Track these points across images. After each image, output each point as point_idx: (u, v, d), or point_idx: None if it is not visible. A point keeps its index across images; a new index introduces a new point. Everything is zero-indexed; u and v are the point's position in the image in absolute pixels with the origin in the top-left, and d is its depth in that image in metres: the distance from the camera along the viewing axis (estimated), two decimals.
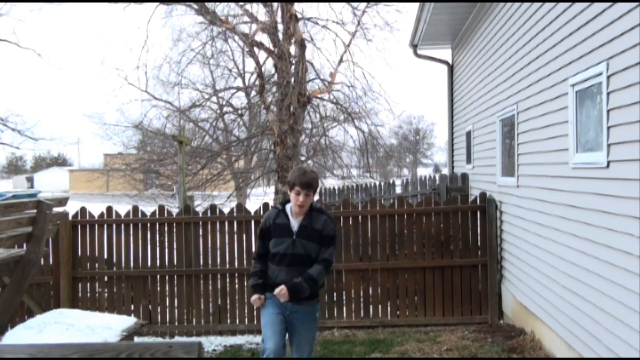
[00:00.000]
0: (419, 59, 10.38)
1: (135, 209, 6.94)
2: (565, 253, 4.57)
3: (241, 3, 12.62)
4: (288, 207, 3.88)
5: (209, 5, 12.19)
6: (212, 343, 6.35)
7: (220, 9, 12.88)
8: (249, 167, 16.48)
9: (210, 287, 6.79)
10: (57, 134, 60.50)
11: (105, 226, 6.88)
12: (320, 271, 3.79)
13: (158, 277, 6.82)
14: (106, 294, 6.86)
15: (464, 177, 8.67)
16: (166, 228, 6.83)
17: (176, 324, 6.79)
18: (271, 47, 12.32)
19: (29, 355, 2.24)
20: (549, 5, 4.84)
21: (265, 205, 6.79)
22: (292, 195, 3.77)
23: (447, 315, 6.51)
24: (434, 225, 6.55)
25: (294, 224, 3.82)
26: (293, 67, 12.01)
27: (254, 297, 3.88)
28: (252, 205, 8.57)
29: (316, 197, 11.45)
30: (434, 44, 10.26)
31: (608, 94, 3.67)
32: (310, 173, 3.79)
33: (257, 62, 13.05)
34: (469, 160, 8.85)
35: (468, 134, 8.81)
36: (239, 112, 15.86)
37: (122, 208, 7.43)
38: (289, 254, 3.78)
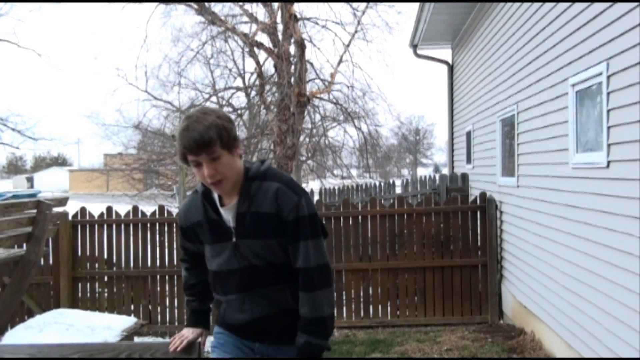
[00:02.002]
0: (419, 59, 10.37)
1: (135, 209, 6.93)
2: (565, 253, 4.57)
3: (240, 3, 12.62)
4: None
5: (209, 5, 12.18)
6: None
7: (220, 8, 12.88)
8: None
9: None
10: (57, 134, 60.56)
11: (105, 226, 6.88)
12: (321, 295, 2.10)
13: (158, 277, 6.82)
14: (106, 294, 6.86)
15: (464, 177, 8.67)
16: (166, 228, 6.83)
17: (176, 324, 6.78)
18: (271, 47, 12.32)
19: (29, 355, 2.24)
20: (549, 5, 4.84)
21: None
22: (195, 171, 2.09)
23: (447, 315, 6.51)
24: (434, 225, 6.55)
25: (227, 215, 2.16)
26: (293, 67, 12.02)
27: (184, 334, 2.28)
28: None
29: (316, 198, 11.49)
30: (434, 44, 10.26)
31: (608, 94, 3.67)
32: (201, 119, 2.00)
33: (257, 62, 13.05)
34: (469, 160, 8.85)
35: (468, 134, 8.81)
36: (239, 112, 15.86)
37: (122, 208, 7.43)
38: (237, 271, 2.15)
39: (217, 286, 2.25)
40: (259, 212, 2.10)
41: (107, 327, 4.54)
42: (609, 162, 3.69)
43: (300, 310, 2.10)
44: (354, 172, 16.37)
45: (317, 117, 14.56)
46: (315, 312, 2.07)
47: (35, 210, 4.77)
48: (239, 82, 17.38)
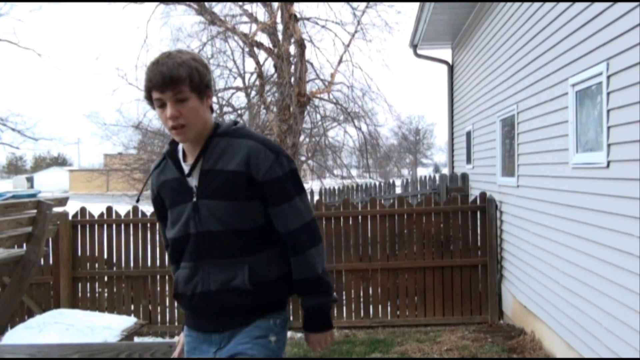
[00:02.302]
0: (419, 59, 10.37)
1: (135, 209, 6.93)
2: (565, 253, 4.57)
3: (240, 3, 12.62)
4: (181, 147, 2.00)
5: (209, 5, 12.19)
6: None
7: (219, 8, 12.89)
8: None
9: None
10: (57, 134, 60.59)
11: (105, 226, 6.88)
12: (313, 253, 1.94)
13: (158, 277, 6.82)
14: (106, 294, 6.86)
15: (464, 177, 8.67)
16: None
17: (176, 324, 6.78)
18: (271, 47, 12.33)
19: (29, 355, 2.24)
20: (549, 5, 4.84)
21: None
22: (157, 113, 1.88)
23: (447, 315, 6.51)
24: (434, 225, 6.55)
25: (191, 173, 1.93)
26: (293, 67, 12.02)
27: (181, 339, 2.11)
28: None
29: (316, 198, 11.49)
30: (434, 44, 10.26)
31: (608, 94, 3.67)
32: (174, 56, 1.84)
33: (257, 62, 13.06)
34: (469, 160, 8.85)
35: (468, 134, 8.81)
36: (239, 112, 15.85)
37: (122, 208, 7.42)
38: (192, 236, 1.91)
39: (173, 256, 2.01)
40: (226, 170, 1.87)
41: (107, 327, 4.55)
42: (609, 162, 3.69)
43: (294, 274, 1.95)
44: (354, 172, 16.36)
45: (317, 117, 14.56)
46: (311, 271, 1.93)
47: (35, 210, 4.77)
48: (239, 82, 17.38)
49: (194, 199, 1.90)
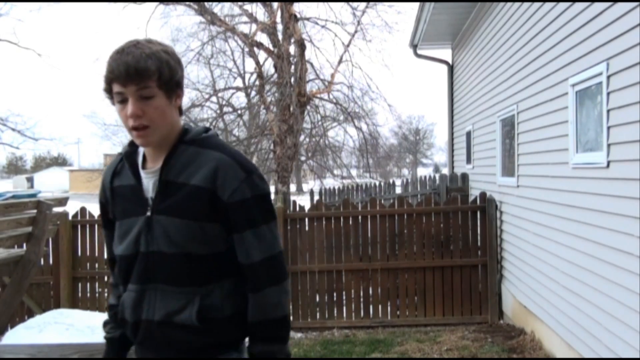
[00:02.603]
0: (419, 59, 10.37)
1: None
2: (565, 253, 4.57)
3: (240, 3, 12.63)
4: (142, 150, 1.73)
5: (209, 5, 12.19)
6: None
7: (219, 9, 12.89)
8: None
9: None
10: (57, 134, 60.56)
11: None
12: (272, 294, 1.65)
13: None
14: (106, 294, 6.86)
15: (464, 177, 8.67)
16: None
17: None
18: (271, 47, 12.33)
19: (29, 355, 2.24)
20: (549, 5, 4.84)
21: None
22: (117, 110, 1.62)
23: (447, 315, 6.51)
24: (434, 225, 6.55)
25: (148, 182, 1.67)
26: (293, 67, 12.02)
27: None
28: None
29: (316, 198, 11.49)
30: (434, 44, 10.26)
31: (608, 94, 3.67)
32: (142, 46, 1.58)
33: (257, 62, 13.07)
34: (469, 160, 8.85)
35: (468, 134, 8.81)
36: (239, 112, 15.87)
37: None
38: (142, 255, 1.65)
39: (120, 276, 1.72)
40: (188, 184, 1.61)
41: None
42: (609, 162, 3.69)
43: (248, 313, 1.65)
44: (354, 172, 16.38)
45: (317, 117, 14.56)
46: (267, 313, 1.63)
47: (35, 210, 4.77)
48: (239, 82, 17.40)
49: (148, 213, 1.63)
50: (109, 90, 1.59)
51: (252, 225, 1.63)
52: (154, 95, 1.57)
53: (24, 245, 4.89)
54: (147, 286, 1.65)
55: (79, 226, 6.90)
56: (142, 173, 1.68)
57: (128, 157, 1.72)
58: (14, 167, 66.85)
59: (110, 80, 1.56)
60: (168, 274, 1.63)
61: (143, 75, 1.54)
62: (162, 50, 1.60)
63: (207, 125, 15.40)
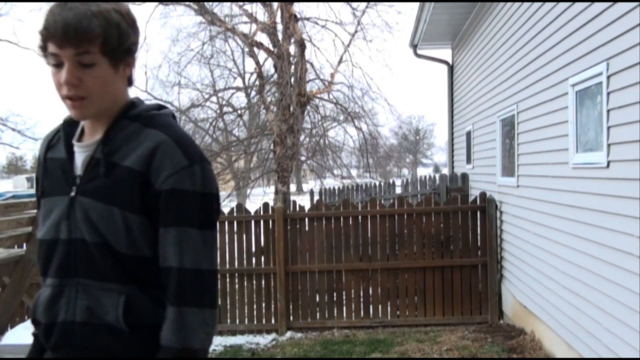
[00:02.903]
0: (419, 59, 10.37)
1: None
2: (565, 253, 4.57)
3: (240, 3, 12.63)
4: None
5: (209, 5, 12.19)
6: (212, 343, 6.34)
7: (219, 9, 12.89)
8: (249, 167, 16.49)
9: None
10: None
11: None
12: (193, 316, 1.35)
13: None
14: None
15: (464, 177, 8.67)
16: None
17: None
18: (271, 47, 12.33)
19: None
20: (549, 5, 4.84)
21: (265, 205, 6.79)
22: (51, 73, 1.38)
23: (447, 315, 6.51)
24: (434, 225, 6.55)
25: (80, 157, 1.44)
26: (293, 67, 12.02)
27: None
28: (252, 205, 8.58)
29: (316, 198, 11.49)
30: (434, 44, 10.26)
31: (608, 94, 3.67)
32: (90, 4, 1.31)
33: (257, 62, 13.07)
34: (469, 160, 8.85)
35: (468, 134, 8.81)
36: (239, 112, 15.87)
37: None
38: (62, 243, 1.41)
39: (40, 265, 1.47)
40: (120, 165, 1.36)
41: None
42: (609, 162, 3.69)
43: (162, 333, 1.34)
44: (354, 172, 16.37)
45: (317, 117, 14.57)
46: (181, 340, 1.32)
47: (35, 211, 4.77)
48: (239, 82, 17.40)
49: (72, 193, 1.39)
50: (43, 48, 1.34)
51: (179, 223, 1.34)
52: (95, 63, 1.32)
53: (24, 245, 4.89)
54: (65, 281, 1.39)
55: None
56: (76, 146, 1.44)
57: (66, 127, 1.49)
58: (14, 167, 66.86)
59: (45, 38, 1.31)
60: (91, 267, 1.36)
61: (84, 38, 1.28)
62: (114, 10, 1.34)
63: (207, 125, 15.53)
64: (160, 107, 1.50)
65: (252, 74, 14.80)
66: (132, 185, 1.35)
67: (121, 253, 1.36)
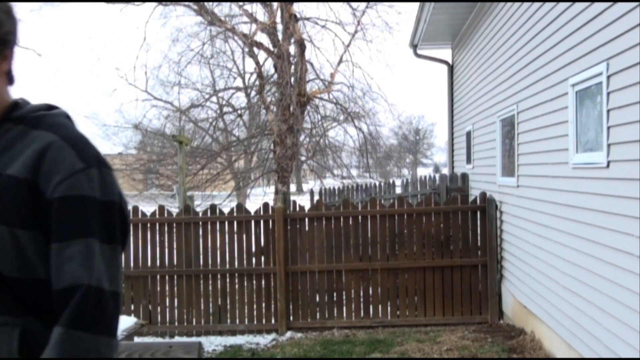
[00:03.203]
0: (419, 59, 10.38)
1: (136, 209, 6.93)
2: (565, 253, 4.57)
3: (240, 3, 12.63)
4: None
5: (208, 5, 12.19)
6: (212, 343, 6.35)
7: (219, 9, 12.89)
8: (249, 167, 16.50)
9: (210, 287, 6.79)
10: None
11: None
12: (86, 342, 1.08)
13: (158, 277, 6.82)
14: None
15: (464, 177, 8.67)
16: (166, 228, 6.83)
17: (176, 324, 6.78)
18: (271, 47, 12.33)
19: None
20: (549, 5, 4.84)
21: (265, 205, 6.79)
22: None
23: (447, 315, 6.51)
24: (434, 225, 6.55)
25: None
26: (293, 67, 12.02)
27: None
28: (252, 205, 8.58)
29: (316, 198, 11.49)
30: (434, 44, 10.26)
31: (608, 94, 3.67)
32: None
33: (257, 62, 13.06)
34: (469, 160, 8.85)
35: (468, 134, 8.81)
36: (239, 112, 15.87)
37: None
38: None
39: None
40: (2, 174, 1.14)
41: None
42: (609, 162, 3.69)
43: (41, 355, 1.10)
44: (354, 172, 16.38)
45: (317, 117, 14.56)
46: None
47: None
48: (239, 82, 17.39)
49: None
50: None
51: (76, 235, 1.12)
52: None
53: None
54: None
55: None
56: None
57: None
58: None
59: None
60: None
61: None
62: None
63: (207, 125, 15.55)
64: (50, 107, 1.28)
65: (252, 74, 14.80)
66: (19, 197, 1.12)
67: (12, 278, 1.13)
